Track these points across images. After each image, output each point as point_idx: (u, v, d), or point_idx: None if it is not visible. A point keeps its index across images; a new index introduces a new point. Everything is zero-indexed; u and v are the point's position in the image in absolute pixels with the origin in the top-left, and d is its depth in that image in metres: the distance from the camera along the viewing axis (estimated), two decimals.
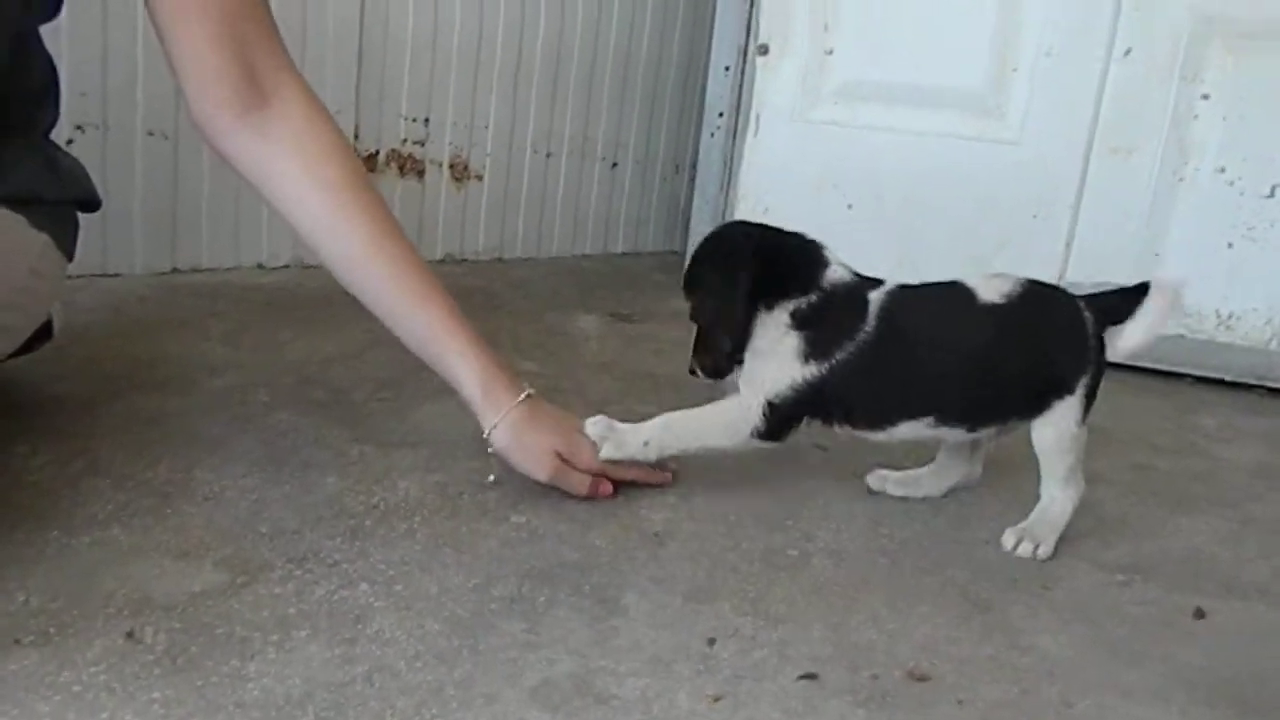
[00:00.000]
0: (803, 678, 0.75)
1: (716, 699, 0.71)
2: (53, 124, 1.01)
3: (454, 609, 0.79)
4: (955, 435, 1.08)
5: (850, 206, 2.22)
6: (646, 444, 1.01)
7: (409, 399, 1.28)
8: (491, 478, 1.04)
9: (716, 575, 0.91)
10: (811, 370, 1.00)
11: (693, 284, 1.05)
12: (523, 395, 1.00)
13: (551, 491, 1.01)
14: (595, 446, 1.01)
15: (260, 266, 1.94)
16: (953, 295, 1.05)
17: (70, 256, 1.02)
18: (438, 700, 0.67)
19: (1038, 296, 1.04)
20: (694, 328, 1.06)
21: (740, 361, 1.03)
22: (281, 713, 0.63)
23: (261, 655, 0.69)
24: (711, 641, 0.79)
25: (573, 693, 0.70)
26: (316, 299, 1.76)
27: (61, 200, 0.98)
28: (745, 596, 0.87)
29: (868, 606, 0.88)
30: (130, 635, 0.69)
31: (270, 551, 0.84)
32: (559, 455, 1.00)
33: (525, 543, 0.92)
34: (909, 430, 1.04)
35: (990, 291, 1.03)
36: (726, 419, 1.01)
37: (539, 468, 1.00)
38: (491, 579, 0.84)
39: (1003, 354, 1.02)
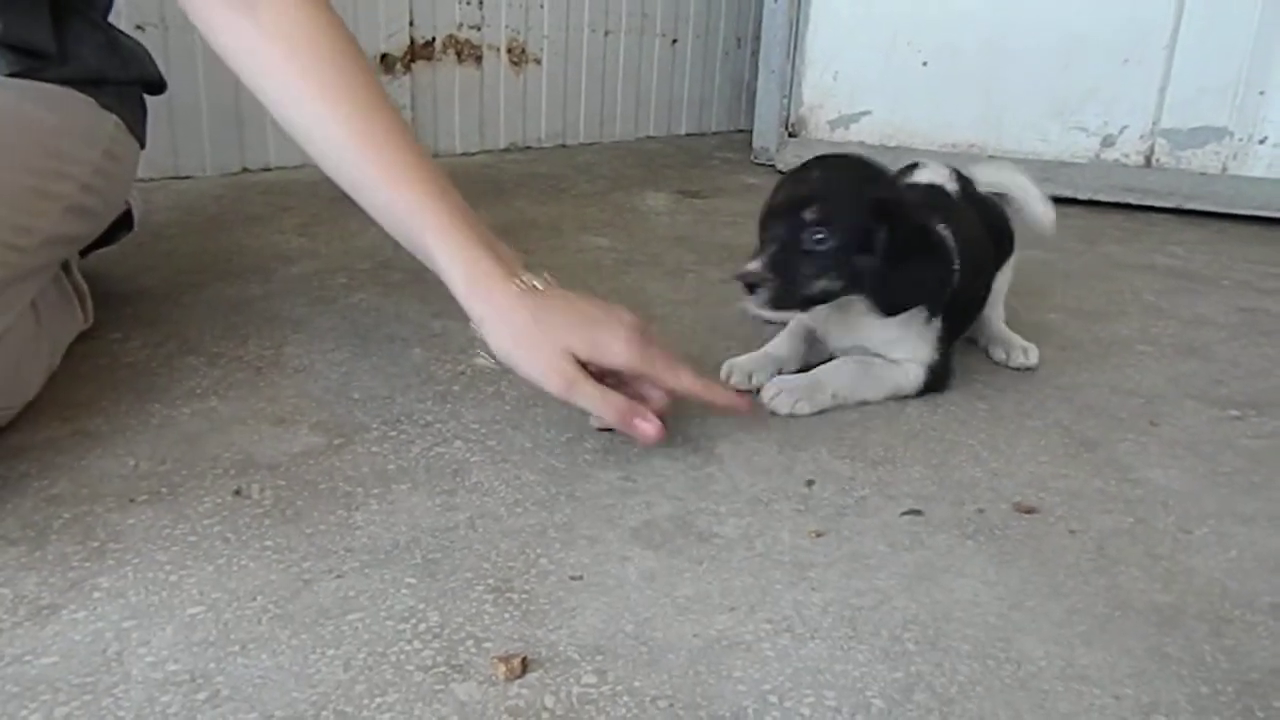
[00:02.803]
0: (906, 513, 0.74)
1: (819, 534, 0.70)
2: (110, 4, 0.99)
3: (549, 461, 0.79)
4: None
5: (925, 64, 2.12)
6: (834, 395, 0.92)
7: None
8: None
9: (810, 425, 0.89)
10: (947, 327, 0.97)
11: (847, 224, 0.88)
12: (521, 280, 0.77)
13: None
14: (632, 336, 0.76)
15: None
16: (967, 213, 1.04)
17: (142, 141, 1.02)
18: (541, 541, 0.67)
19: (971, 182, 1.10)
20: (771, 233, 0.91)
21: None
22: (390, 555, 0.64)
23: (365, 506, 0.70)
24: (810, 483, 0.78)
25: (674, 532, 0.69)
26: None
27: (127, 81, 0.97)
28: (841, 442, 0.85)
29: (968, 448, 0.86)
30: (238, 492, 0.70)
31: (364, 415, 0.85)
32: (577, 358, 0.75)
33: None
34: None
35: (965, 188, 1.07)
36: (894, 381, 0.95)
37: (546, 375, 0.74)
38: (583, 433, 0.84)
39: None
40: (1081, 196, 2.02)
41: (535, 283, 0.77)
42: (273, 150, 1.84)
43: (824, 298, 0.90)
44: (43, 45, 0.87)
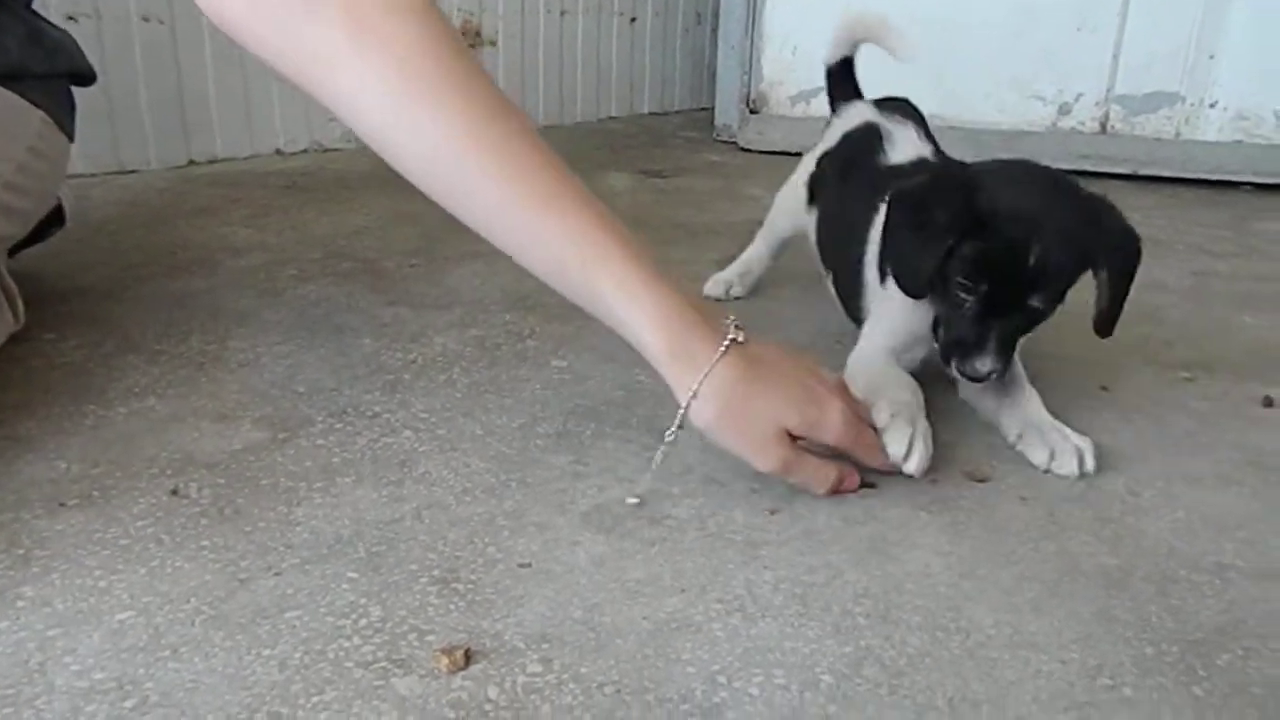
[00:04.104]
0: (861, 488, 0.73)
1: (773, 512, 0.69)
2: None
3: (500, 448, 0.78)
4: None
5: None
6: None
7: (440, 264, 1.25)
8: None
9: None
10: None
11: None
12: (726, 339, 0.67)
13: (594, 334, 0.88)
14: (848, 418, 0.70)
15: (279, 153, 1.90)
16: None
17: (70, 136, 0.99)
18: (489, 530, 0.66)
19: None
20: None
21: None
22: (332, 550, 0.62)
23: (308, 501, 0.68)
24: None
25: (626, 515, 0.68)
26: (338, 180, 1.73)
27: (52, 74, 0.94)
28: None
29: None
30: (175, 492, 0.69)
31: (309, 408, 0.83)
32: (790, 434, 0.68)
33: (568, 384, 0.90)
34: None
35: None
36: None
37: (760, 457, 0.68)
38: (536, 419, 0.83)
39: None
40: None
41: (738, 336, 0.67)
42: (220, 141, 1.81)
43: None
44: None
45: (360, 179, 1.72)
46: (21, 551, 0.60)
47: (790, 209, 1.14)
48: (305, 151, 1.93)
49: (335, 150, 1.96)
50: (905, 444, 0.72)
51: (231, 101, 1.80)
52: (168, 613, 0.56)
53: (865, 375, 0.82)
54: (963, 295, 0.77)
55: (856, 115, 1.07)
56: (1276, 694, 0.52)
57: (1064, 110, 2.04)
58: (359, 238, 1.37)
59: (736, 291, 1.17)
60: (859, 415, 0.72)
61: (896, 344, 0.86)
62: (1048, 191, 0.78)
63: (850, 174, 1.01)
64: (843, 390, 0.73)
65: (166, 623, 0.55)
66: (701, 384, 0.65)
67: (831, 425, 0.68)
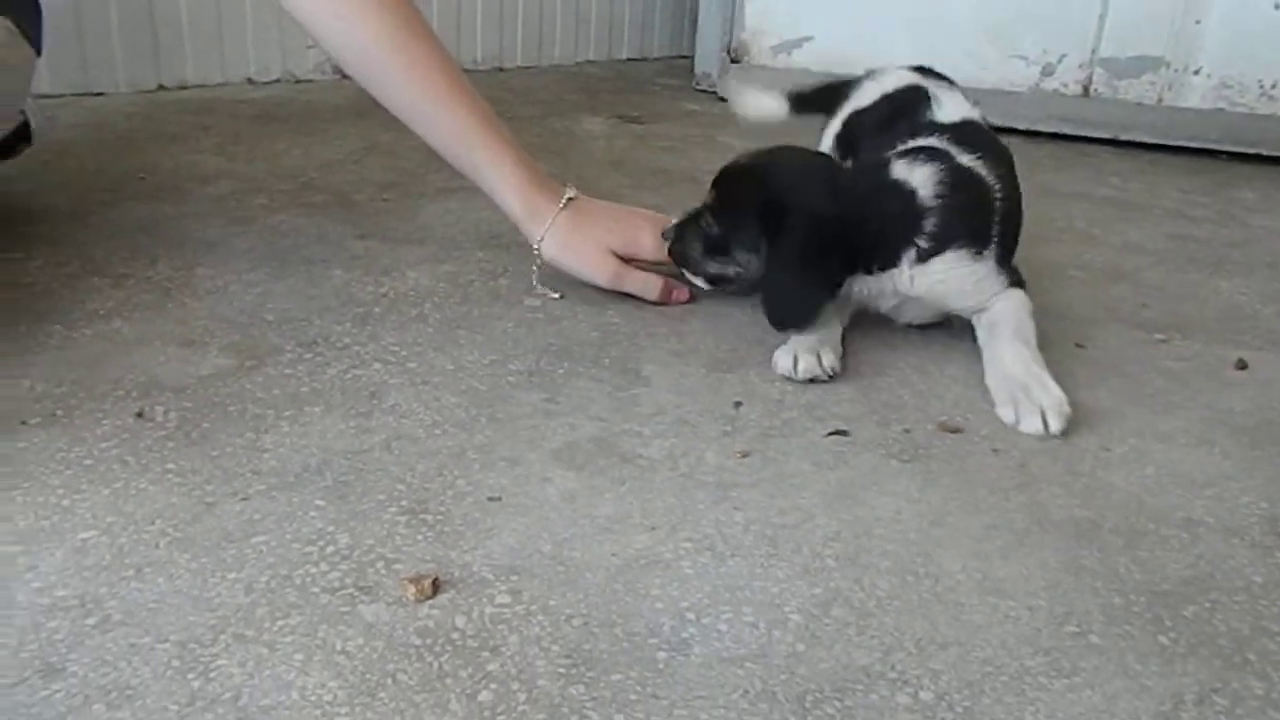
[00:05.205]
0: (833, 434, 0.73)
1: (745, 455, 0.69)
2: None
3: (471, 383, 0.77)
4: None
5: None
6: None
7: (414, 199, 1.23)
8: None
9: (740, 348, 0.88)
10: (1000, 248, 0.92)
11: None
12: (564, 198, 0.92)
13: (568, 275, 0.93)
14: (657, 232, 0.93)
15: (250, 81, 1.85)
16: None
17: (38, 48, 0.95)
18: (459, 463, 0.65)
19: None
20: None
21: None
22: (299, 479, 0.62)
23: (275, 429, 0.67)
24: (738, 404, 0.77)
25: (596, 453, 0.68)
26: (311, 111, 1.68)
27: None
28: (770, 365, 0.84)
29: (897, 370, 0.85)
30: (140, 415, 0.67)
31: (278, 337, 0.81)
32: (616, 254, 0.92)
33: (541, 323, 0.89)
34: None
35: None
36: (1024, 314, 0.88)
37: (597, 272, 0.92)
38: (508, 356, 0.82)
39: None
40: (1020, 126, 2.02)
41: (570, 195, 0.93)
42: (191, 66, 1.75)
43: (726, 280, 0.91)
44: None
45: (333, 111, 1.68)
46: None
47: None
48: (278, 81, 1.88)
49: (308, 81, 1.91)
50: (790, 360, 0.82)
51: (204, 27, 1.74)
52: (131, 533, 0.55)
53: None
54: None
55: (896, 79, 1.05)
56: (1241, 645, 0.53)
57: (1047, 71, 2.03)
58: (331, 170, 1.34)
59: None
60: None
61: None
62: (776, 160, 0.90)
63: (893, 128, 0.99)
64: (655, 219, 0.95)
65: (130, 543, 0.54)
66: (547, 230, 0.91)
67: (644, 242, 0.93)
